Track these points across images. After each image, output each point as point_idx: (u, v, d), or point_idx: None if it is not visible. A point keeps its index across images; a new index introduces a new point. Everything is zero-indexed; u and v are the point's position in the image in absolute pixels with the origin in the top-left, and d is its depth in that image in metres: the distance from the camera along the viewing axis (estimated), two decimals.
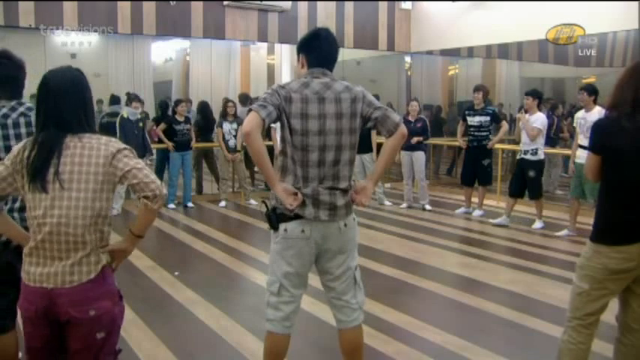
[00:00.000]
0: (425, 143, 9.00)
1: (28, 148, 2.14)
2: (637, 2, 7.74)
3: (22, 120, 2.69)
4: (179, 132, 8.77)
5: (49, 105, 2.17)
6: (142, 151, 8.17)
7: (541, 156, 7.31)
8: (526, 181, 7.39)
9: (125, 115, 8.18)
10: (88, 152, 2.12)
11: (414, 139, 8.44)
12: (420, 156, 8.75)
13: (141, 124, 8.40)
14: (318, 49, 2.75)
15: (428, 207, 8.80)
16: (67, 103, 2.16)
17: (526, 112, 7.29)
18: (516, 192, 7.54)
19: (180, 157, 8.81)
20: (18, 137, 2.66)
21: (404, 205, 9.01)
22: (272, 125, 2.89)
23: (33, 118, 2.59)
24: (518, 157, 7.52)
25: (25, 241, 2.20)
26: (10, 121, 2.68)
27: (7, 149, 2.59)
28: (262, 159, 2.60)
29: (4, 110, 2.71)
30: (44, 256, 2.11)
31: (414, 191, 9.01)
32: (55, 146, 2.11)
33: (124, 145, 2.21)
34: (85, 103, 2.22)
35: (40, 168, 2.09)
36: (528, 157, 7.28)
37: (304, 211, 2.66)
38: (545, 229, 7.38)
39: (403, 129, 2.71)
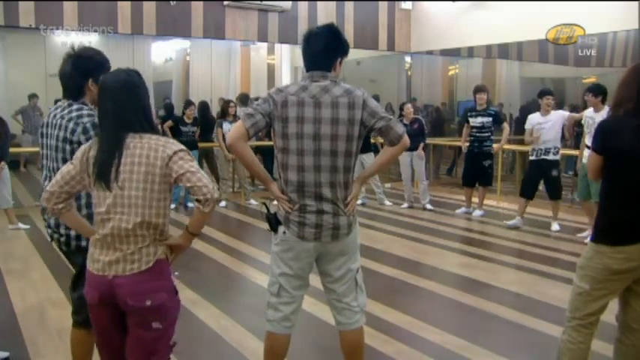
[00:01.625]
0: (425, 143, 9.00)
1: (94, 147, 2.28)
2: (637, 2, 7.74)
3: (57, 122, 2.73)
4: (184, 133, 8.80)
5: (106, 105, 2.29)
6: None
7: (559, 155, 7.26)
8: (546, 181, 7.26)
9: None
10: (146, 153, 2.23)
11: (419, 150, 8.57)
12: (419, 156, 8.75)
13: None
14: (305, 54, 2.72)
15: (429, 206, 8.79)
16: (122, 103, 2.26)
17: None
18: (532, 194, 7.44)
19: None
20: (53, 137, 2.73)
21: (405, 205, 9.01)
22: None
23: (64, 121, 2.67)
24: (534, 157, 7.26)
25: (92, 234, 2.35)
26: (54, 121, 2.75)
27: (50, 148, 2.74)
28: (251, 165, 2.72)
29: (57, 111, 2.77)
30: (107, 247, 2.26)
31: (415, 191, 9.01)
32: (116, 146, 2.23)
33: (180, 147, 2.29)
34: (140, 103, 2.31)
35: (103, 168, 2.23)
36: (551, 157, 7.11)
37: (304, 233, 2.65)
38: (545, 229, 7.38)
39: (406, 141, 2.70)
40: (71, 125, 2.67)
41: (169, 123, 8.89)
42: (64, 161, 2.62)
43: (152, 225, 2.25)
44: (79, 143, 2.62)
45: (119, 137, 2.25)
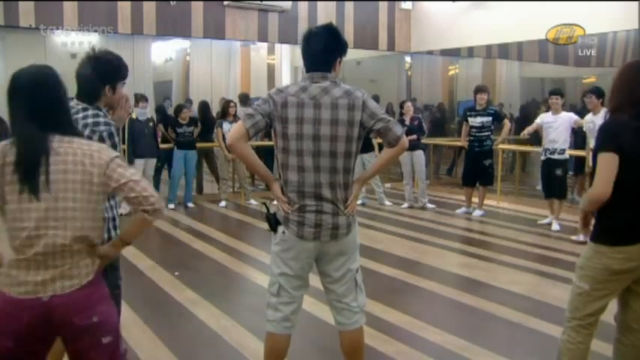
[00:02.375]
0: (424, 143, 8.99)
1: (10, 154, 1.97)
2: (637, 2, 7.74)
3: None
4: (180, 134, 8.80)
5: (23, 103, 2.00)
6: (156, 152, 8.31)
7: (567, 155, 7.26)
8: (551, 180, 7.27)
9: (134, 116, 8.17)
10: (81, 159, 2.00)
11: (409, 137, 8.47)
12: (419, 155, 8.76)
13: (151, 124, 8.43)
14: (305, 54, 2.72)
15: (429, 205, 8.79)
16: (44, 101, 2.01)
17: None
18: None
19: (182, 155, 8.80)
20: None
21: (405, 205, 9.01)
22: None
23: (79, 126, 2.47)
24: (543, 157, 7.32)
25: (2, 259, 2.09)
26: None
27: None
28: (252, 164, 2.76)
29: (72, 111, 2.60)
30: (36, 267, 1.97)
31: (415, 191, 9.02)
32: (42, 150, 1.96)
33: (115, 153, 2.12)
34: (62, 101, 2.07)
35: (29, 175, 1.94)
36: (556, 156, 7.15)
37: (303, 233, 2.65)
38: (545, 229, 7.38)
39: (404, 142, 2.70)
40: (87, 132, 2.52)
41: (170, 129, 8.93)
42: None
43: (89, 238, 2.03)
44: None
45: (44, 140, 1.97)
